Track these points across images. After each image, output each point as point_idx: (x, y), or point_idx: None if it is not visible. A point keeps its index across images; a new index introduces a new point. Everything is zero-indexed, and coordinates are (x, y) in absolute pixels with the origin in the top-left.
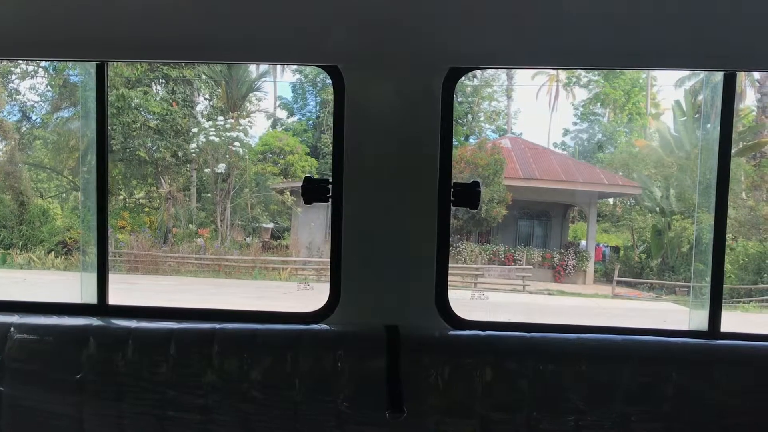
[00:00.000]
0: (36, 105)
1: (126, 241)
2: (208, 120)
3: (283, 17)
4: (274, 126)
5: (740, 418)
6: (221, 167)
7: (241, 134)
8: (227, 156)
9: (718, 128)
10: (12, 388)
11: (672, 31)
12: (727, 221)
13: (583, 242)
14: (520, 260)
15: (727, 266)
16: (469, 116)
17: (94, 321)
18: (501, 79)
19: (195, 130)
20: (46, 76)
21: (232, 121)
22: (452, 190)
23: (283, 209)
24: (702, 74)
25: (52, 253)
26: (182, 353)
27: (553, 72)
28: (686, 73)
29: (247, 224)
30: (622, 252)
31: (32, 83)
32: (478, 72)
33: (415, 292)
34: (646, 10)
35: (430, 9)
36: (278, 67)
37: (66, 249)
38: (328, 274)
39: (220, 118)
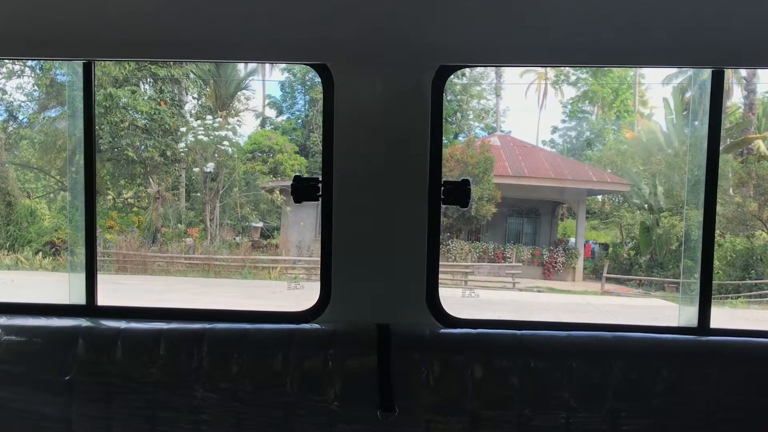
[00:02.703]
0: (22, 105)
1: (114, 241)
2: (196, 119)
3: (272, 16)
4: (263, 125)
5: (730, 414)
6: (210, 166)
7: (230, 133)
8: (216, 155)
9: (707, 125)
10: (0, 390)
11: (660, 29)
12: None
13: (572, 239)
14: (510, 258)
15: (715, 262)
16: (458, 114)
17: (83, 322)
18: (490, 77)
19: (183, 129)
20: (32, 75)
21: (221, 120)
22: (442, 188)
23: (272, 208)
24: (689, 72)
25: (40, 253)
26: (172, 354)
27: (541, 70)
28: (674, 70)
29: (237, 223)
30: (611, 249)
31: (18, 83)
32: (467, 70)
33: (406, 291)
34: (635, 8)
35: (420, 7)
36: (266, 65)
37: (54, 249)
38: (318, 273)
39: (209, 117)
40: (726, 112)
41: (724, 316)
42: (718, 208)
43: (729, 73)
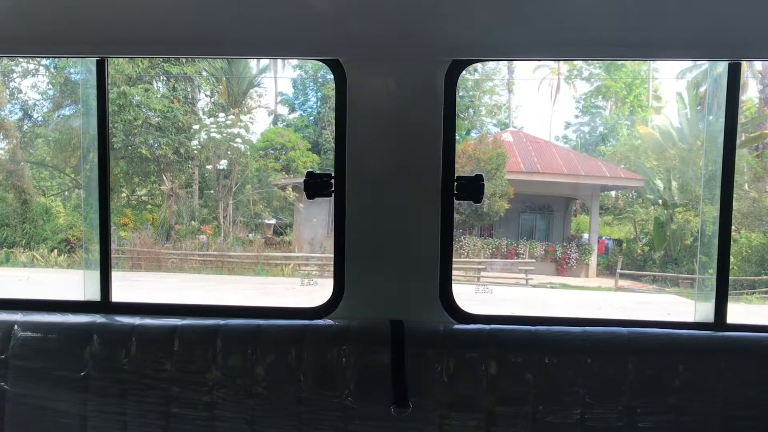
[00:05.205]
0: (37, 103)
1: (129, 238)
2: (209, 116)
3: (284, 11)
4: (275, 122)
5: (747, 410)
6: (223, 164)
7: (243, 130)
8: (229, 152)
9: (722, 119)
10: (16, 386)
11: (676, 22)
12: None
13: (586, 235)
14: (523, 254)
15: (731, 258)
16: (471, 110)
17: (98, 318)
18: (502, 72)
19: (196, 126)
20: (47, 74)
21: (233, 117)
22: (455, 183)
23: (285, 205)
24: (704, 65)
25: (55, 251)
26: (186, 350)
27: (554, 65)
28: (688, 64)
29: (250, 220)
30: (624, 245)
31: (33, 81)
32: (479, 66)
33: (419, 287)
34: (650, 1)
35: (432, 1)
36: (278, 62)
37: (69, 247)
38: (331, 269)
39: (221, 114)
40: (741, 106)
41: (740, 312)
42: (734, 204)
43: (744, 67)
